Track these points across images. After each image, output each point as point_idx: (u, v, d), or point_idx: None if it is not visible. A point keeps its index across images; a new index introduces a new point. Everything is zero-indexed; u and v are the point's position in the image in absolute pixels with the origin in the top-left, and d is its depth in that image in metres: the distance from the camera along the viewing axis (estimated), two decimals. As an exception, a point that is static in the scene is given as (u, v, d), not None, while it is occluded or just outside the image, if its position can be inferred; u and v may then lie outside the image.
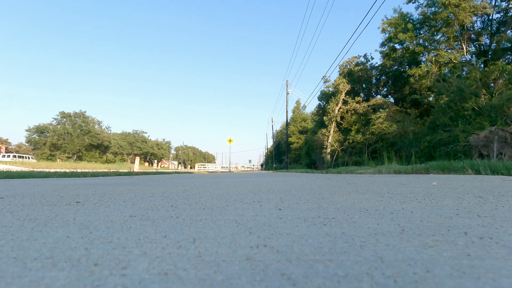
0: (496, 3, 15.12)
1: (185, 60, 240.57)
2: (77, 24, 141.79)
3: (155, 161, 61.75)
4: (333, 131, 20.39)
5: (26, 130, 40.38)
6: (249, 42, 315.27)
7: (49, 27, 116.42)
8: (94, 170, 11.93)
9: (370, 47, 67.90)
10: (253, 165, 73.20)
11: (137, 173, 8.33)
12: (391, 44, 18.46)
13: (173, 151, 74.56)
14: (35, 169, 12.34)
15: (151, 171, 17.65)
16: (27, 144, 44.53)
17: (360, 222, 0.69)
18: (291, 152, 32.99)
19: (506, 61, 14.69)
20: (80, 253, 0.48)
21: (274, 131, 47.84)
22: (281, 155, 41.23)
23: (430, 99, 16.03)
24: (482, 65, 13.72)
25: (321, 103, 23.80)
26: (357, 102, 19.56)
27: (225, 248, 0.50)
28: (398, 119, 16.20)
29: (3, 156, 34.48)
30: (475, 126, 9.60)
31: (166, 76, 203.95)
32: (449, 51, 16.16)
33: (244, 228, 0.65)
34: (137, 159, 13.76)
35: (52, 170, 10.18)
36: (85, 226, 0.68)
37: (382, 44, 19.26)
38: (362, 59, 21.28)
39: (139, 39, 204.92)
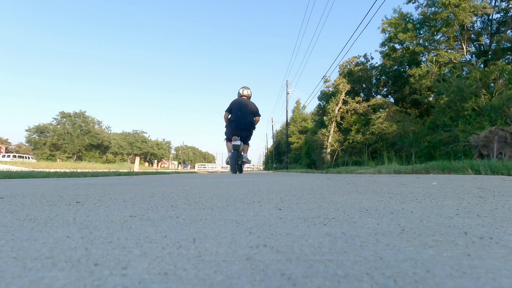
0: (496, 3, 15.13)
1: (185, 61, 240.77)
2: (76, 24, 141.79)
3: (155, 161, 61.73)
4: (333, 131, 20.39)
5: (26, 130, 40.43)
6: (249, 42, 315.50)
7: (49, 27, 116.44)
8: (94, 170, 11.92)
9: (370, 47, 67.99)
10: (253, 165, 73.19)
11: (137, 173, 8.32)
12: (391, 44, 18.47)
13: (173, 151, 74.58)
14: (35, 169, 12.34)
15: (151, 171, 17.65)
16: (27, 144, 44.52)
17: (360, 222, 0.69)
18: (291, 152, 32.97)
19: (506, 61, 14.69)
20: (80, 253, 0.48)
21: (274, 131, 47.83)
22: (281, 155, 41.20)
23: (430, 99, 16.03)
24: (482, 65, 13.72)
25: (321, 103, 23.80)
26: (357, 102, 19.56)
27: (225, 248, 0.50)
28: (398, 119, 16.21)
29: (3, 156, 34.46)
30: (475, 126, 9.60)
31: (166, 76, 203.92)
32: (449, 51, 16.16)
33: (244, 228, 0.65)
34: (137, 159, 13.75)
35: (52, 170, 10.17)
36: (85, 226, 0.68)
37: (382, 44, 19.28)
38: (362, 59, 21.29)
39: (138, 39, 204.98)
